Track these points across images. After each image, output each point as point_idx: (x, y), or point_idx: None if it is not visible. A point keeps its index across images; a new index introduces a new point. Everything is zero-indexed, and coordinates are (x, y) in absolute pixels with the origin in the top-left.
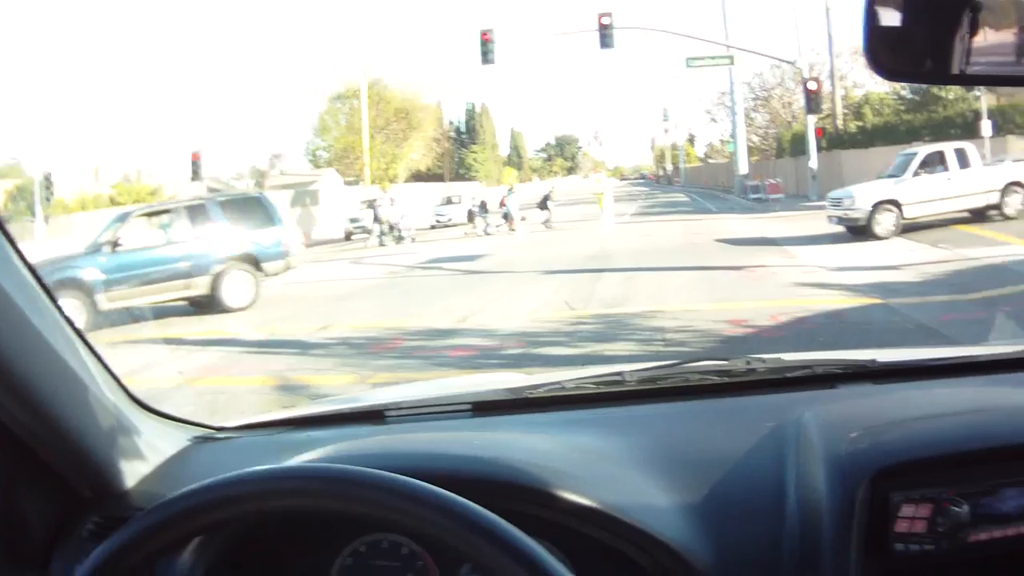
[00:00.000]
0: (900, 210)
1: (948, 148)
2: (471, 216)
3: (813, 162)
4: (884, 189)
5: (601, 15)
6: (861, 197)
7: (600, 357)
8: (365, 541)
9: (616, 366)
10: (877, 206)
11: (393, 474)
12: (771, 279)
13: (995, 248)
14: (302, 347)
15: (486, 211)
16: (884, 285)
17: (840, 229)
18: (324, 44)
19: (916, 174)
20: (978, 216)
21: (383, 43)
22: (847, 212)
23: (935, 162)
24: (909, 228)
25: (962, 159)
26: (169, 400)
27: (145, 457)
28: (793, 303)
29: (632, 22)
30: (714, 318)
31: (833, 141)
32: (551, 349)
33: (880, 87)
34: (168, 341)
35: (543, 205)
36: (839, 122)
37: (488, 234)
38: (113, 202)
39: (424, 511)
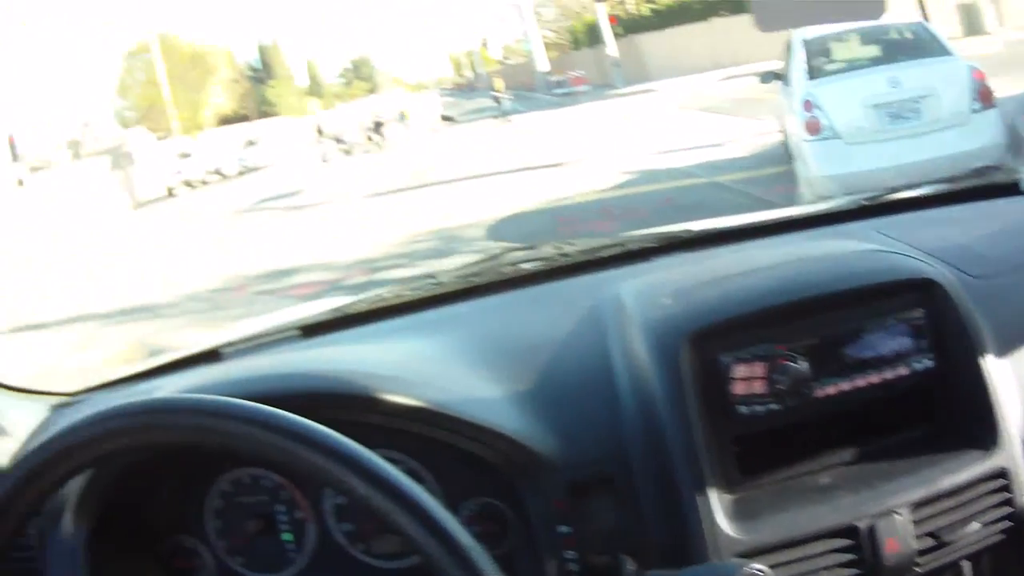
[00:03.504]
0: None
1: None
2: (370, 135)
3: (612, 50)
4: None
5: None
6: None
7: (441, 273)
8: (227, 479)
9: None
10: None
11: (196, 395)
12: (594, 171)
13: None
14: (155, 310)
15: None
16: (712, 164)
17: (674, 112)
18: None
19: None
20: None
21: None
22: None
23: None
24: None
25: None
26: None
27: (8, 433)
28: (620, 193)
29: None
30: (543, 218)
31: (629, 26)
32: (392, 272)
33: None
34: (25, 327)
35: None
36: (631, 7)
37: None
38: None
39: (238, 425)
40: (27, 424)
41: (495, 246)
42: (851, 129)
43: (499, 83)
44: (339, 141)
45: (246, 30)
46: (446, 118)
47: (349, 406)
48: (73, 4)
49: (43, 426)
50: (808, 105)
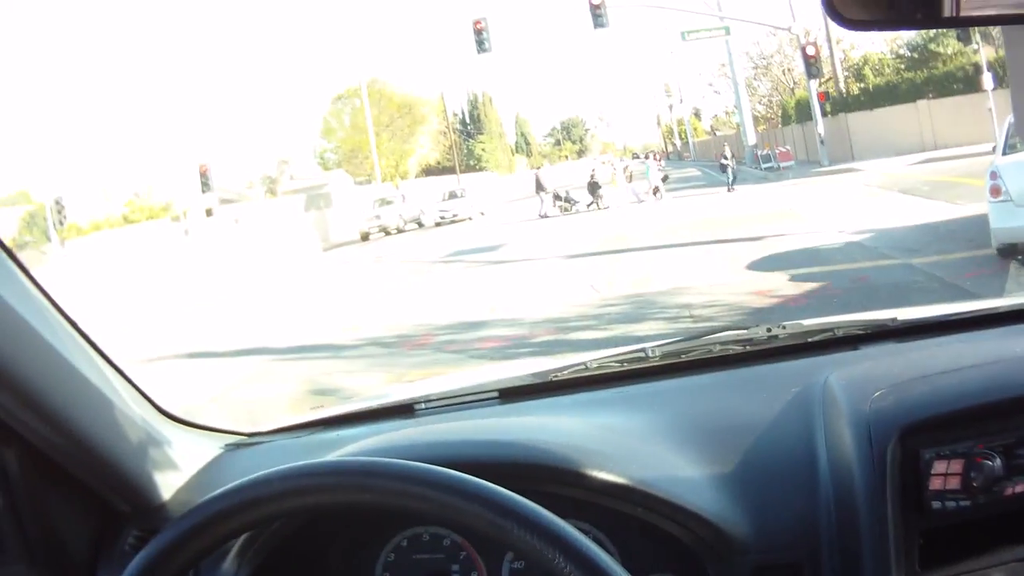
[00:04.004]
0: None
1: None
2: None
3: (820, 127)
4: None
5: None
6: None
7: (629, 338)
8: (406, 535)
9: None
10: None
11: (408, 461)
12: (793, 246)
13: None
14: (333, 350)
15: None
16: (903, 244)
17: (875, 192)
18: (319, 45)
19: None
20: None
21: (377, 40)
22: None
23: None
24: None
25: None
26: (205, 414)
27: (179, 468)
28: (815, 269)
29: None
30: (739, 290)
31: (837, 104)
32: (580, 334)
33: (877, 47)
34: (199, 355)
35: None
36: (841, 85)
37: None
38: (127, 220)
39: (441, 495)
40: (196, 460)
41: (687, 316)
42: (1021, 194)
43: (728, 149)
44: (558, 198)
45: (457, 83)
46: (663, 179)
47: (551, 479)
48: (282, 42)
49: (213, 464)
50: (993, 175)
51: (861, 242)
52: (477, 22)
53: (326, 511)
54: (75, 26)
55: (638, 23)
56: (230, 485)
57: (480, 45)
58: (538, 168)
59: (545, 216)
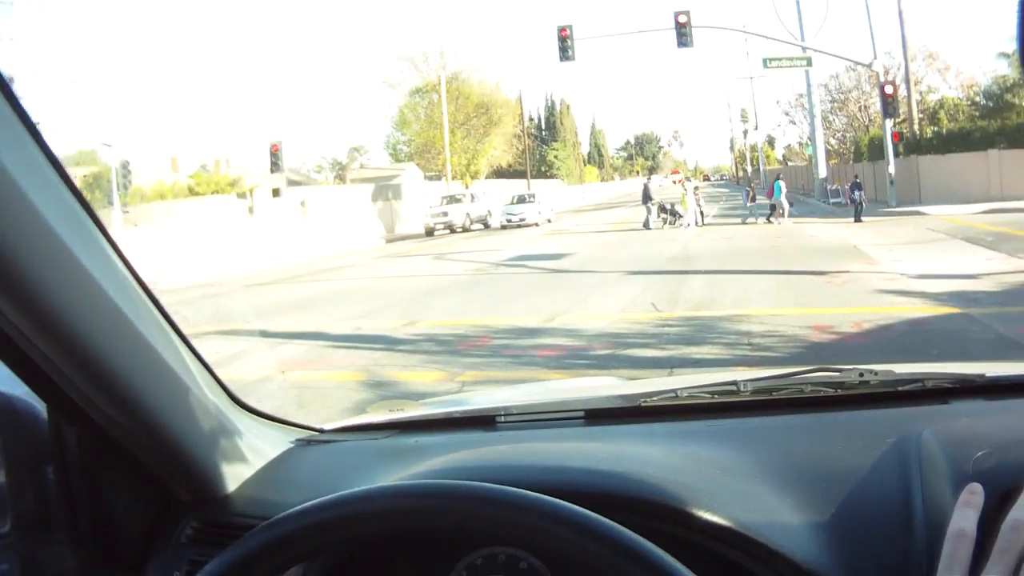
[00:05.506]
0: None
1: None
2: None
3: (891, 167)
4: None
5: (678, 13)
6: None
7: (687, 359)
8: (481, 554)
9: (720, 372)
10: None
11: (531, 493)
12: (853, 285)
13: None
14: (389, 343)
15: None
16: (963, 294)
17: (939, 237)
18: (403, 36)
19: None
20: None
21: (461, 36)
22: None
23: None
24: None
25: None
26: (254, 393)
27: (247, 460)
28: (876, 310)
29: (709, 21)
30: (799, 323)
31: (910, 146)
32: (638, 351)
33: (954, 92)
34: (255, 333)
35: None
36: (915, 127)
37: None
38: (192, 192)
39: (564, 531)
40: (265, 453)
41: (746, 344)
42: None
43: (859, 179)
44: (663, 210)
45: (536, 87)
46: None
47: (650, 513)
48: (364, 30)
49: (282, 459)
50: None
51: (922, 287)
52: (563, 30)
53: (423, 531)
54: None
55: (721, 46)
56: (330, 496)
57: (564, 53)
58: (647, 178)
59: (648, 228)
